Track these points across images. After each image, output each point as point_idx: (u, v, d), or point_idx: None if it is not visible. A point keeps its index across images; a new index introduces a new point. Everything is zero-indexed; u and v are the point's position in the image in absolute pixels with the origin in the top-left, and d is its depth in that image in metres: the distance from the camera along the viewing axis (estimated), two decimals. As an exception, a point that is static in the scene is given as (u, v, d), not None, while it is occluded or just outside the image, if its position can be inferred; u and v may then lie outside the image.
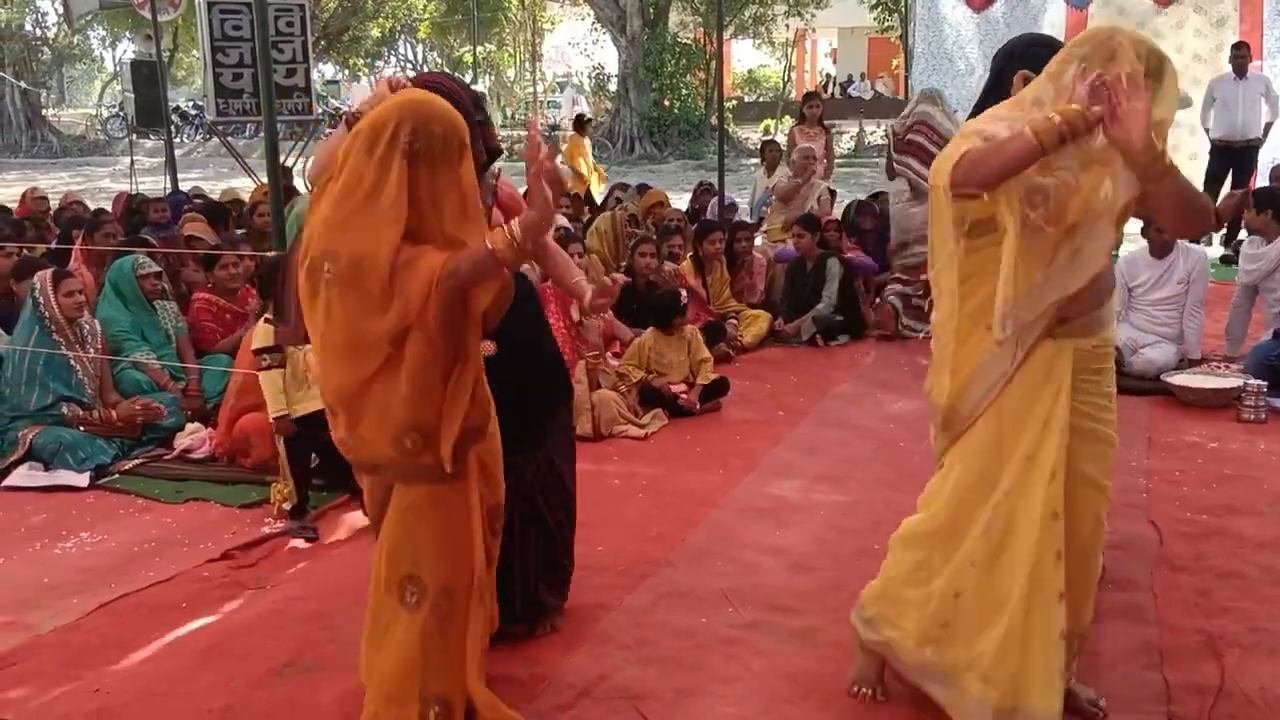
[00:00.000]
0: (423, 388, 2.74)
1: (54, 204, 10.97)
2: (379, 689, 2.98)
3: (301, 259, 2.82)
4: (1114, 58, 2.68)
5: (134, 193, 12.07)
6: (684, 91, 28.33)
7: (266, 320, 4.68)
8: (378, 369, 2.74)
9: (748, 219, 10.72)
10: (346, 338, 2.75)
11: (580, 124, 15.01)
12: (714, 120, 23.57)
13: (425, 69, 39.52)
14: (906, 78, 14.65)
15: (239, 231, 8.49)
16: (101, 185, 21.01)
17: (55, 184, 19.60)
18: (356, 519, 4.84)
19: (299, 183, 13.43)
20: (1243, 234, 10.21)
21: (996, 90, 3.17)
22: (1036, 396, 2.87)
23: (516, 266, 2.84)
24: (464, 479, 2.91)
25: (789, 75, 36.51)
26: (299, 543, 4.62)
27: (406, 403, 2.74)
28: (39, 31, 35.69)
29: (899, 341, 8.01)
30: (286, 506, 4.78)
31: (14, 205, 10.65)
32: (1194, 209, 2.76)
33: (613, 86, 30.64)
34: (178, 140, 23.59)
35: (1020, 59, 3.12)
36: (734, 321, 8.02)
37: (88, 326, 5.90)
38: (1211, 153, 11.00)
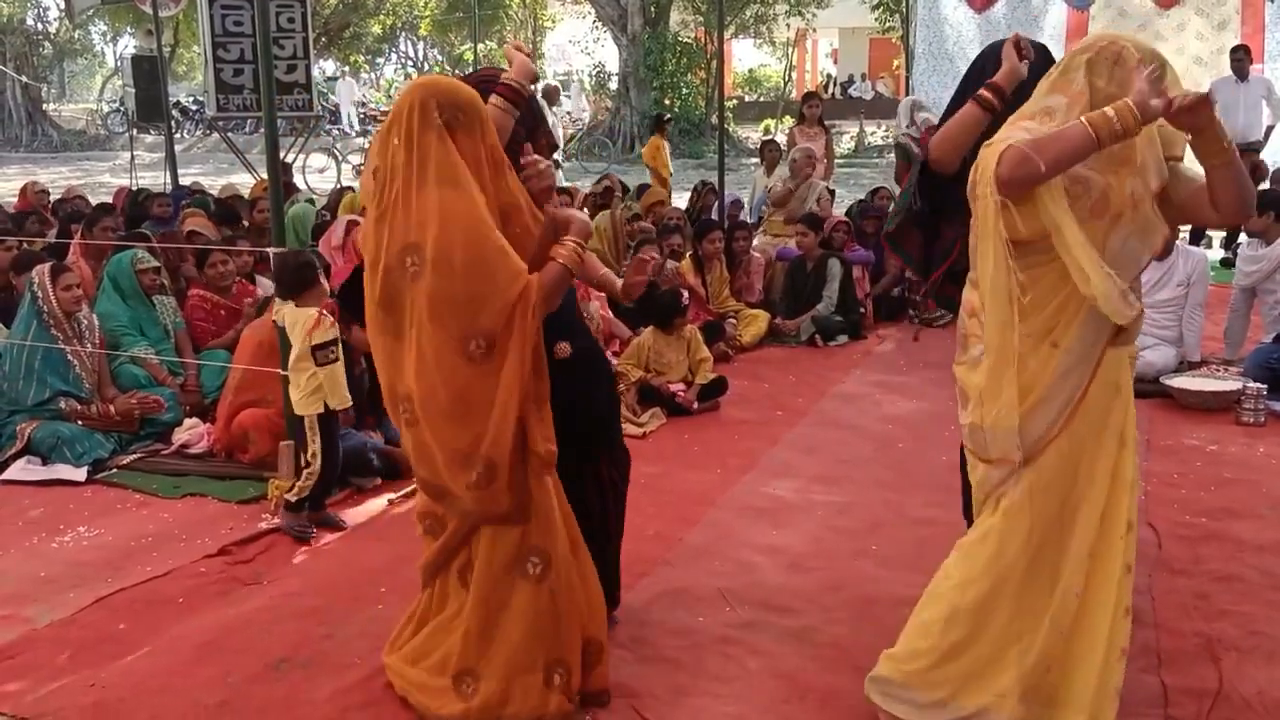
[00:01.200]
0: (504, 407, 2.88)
1: (54, 199, 10.95)
2: (504, 664, 3.05)
3: (371, 276, 2.94)
4: (1120, 61, 2.68)
5: (139, 188, 12.06)
6: (684, 91, 28.29)
7: (329, 313, 4.60)
8: (472, 376, 2.87)
9: (748, 218, 10.72)
10: (441, 336, 2.86)
11: (660, 124, 14.55)
12: (714, 119, 23.56)
13: (426, 67, 39.55)
14: (907, 78, 14.62)
15: (226, 231, 8.43)
16: (101, 180, 20.98)
17: (55, 178, 19.61)
18: (354, 515, 4.85)
19: (299, 179, 13.46)
20: (1242, 236, 10.22)
21: (978, 80, 3.19)
22: (1109, 410, 2.80)
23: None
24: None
25: (789, 75, 36.45)
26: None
27: (494, 423, 2.89)
28: (40, 26, 35.64)
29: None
30: (292, 498, 4.63)
31: (13, 200, 10.64)
32: (1248, 192, 2.69)
33: (613, 85, 30.61)
34: (178, 135, 23.59)
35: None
36: (733, 321, 8.01)
37: (85, 321, 5.89)
38: (1212, 156, 10.98)
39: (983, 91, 3.26)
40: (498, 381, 2.87)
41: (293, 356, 4.60)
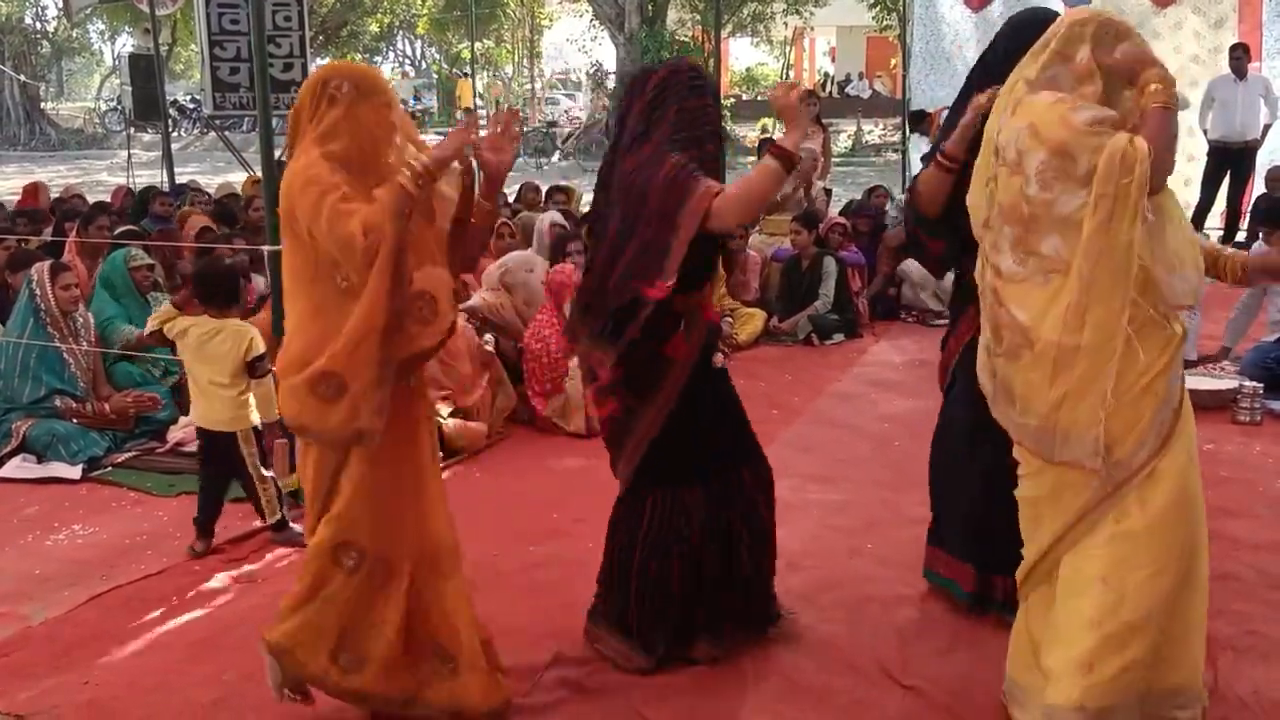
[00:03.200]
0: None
1: (53, 197, 10.94)
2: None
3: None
4: (1121, 36, 2.69)
5: (147, 185, 12.07)
6: (682, 89, 28.29)
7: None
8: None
9: (746, 217, 10.68)
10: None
11: None
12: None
13: (423, 65, 39.57)
14: (904, 77, 14.61)
15: (224, 229, 8.40)
16: (99, 178, 20.96)
17: (53, 177, 19.57)
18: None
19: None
20: (1240, 235, 10.20)
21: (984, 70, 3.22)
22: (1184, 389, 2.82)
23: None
24: (410, 443, 2.99)
25: (787, 74, 36.48)
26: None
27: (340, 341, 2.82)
28: (38, 25, 35.68)
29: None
30: (272, 520, 4.53)
31: (12, 198, 10.64)
32: None
33: (611, 84, 30.62)
34: (175, 134, 23.55)
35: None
36: (729, 320, 8.00)
37: (82, 320, 5.88)
38: (1209, 154, 10.98)
39: (941, 159, 3.44)
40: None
41: (225, 374, 4.39)
